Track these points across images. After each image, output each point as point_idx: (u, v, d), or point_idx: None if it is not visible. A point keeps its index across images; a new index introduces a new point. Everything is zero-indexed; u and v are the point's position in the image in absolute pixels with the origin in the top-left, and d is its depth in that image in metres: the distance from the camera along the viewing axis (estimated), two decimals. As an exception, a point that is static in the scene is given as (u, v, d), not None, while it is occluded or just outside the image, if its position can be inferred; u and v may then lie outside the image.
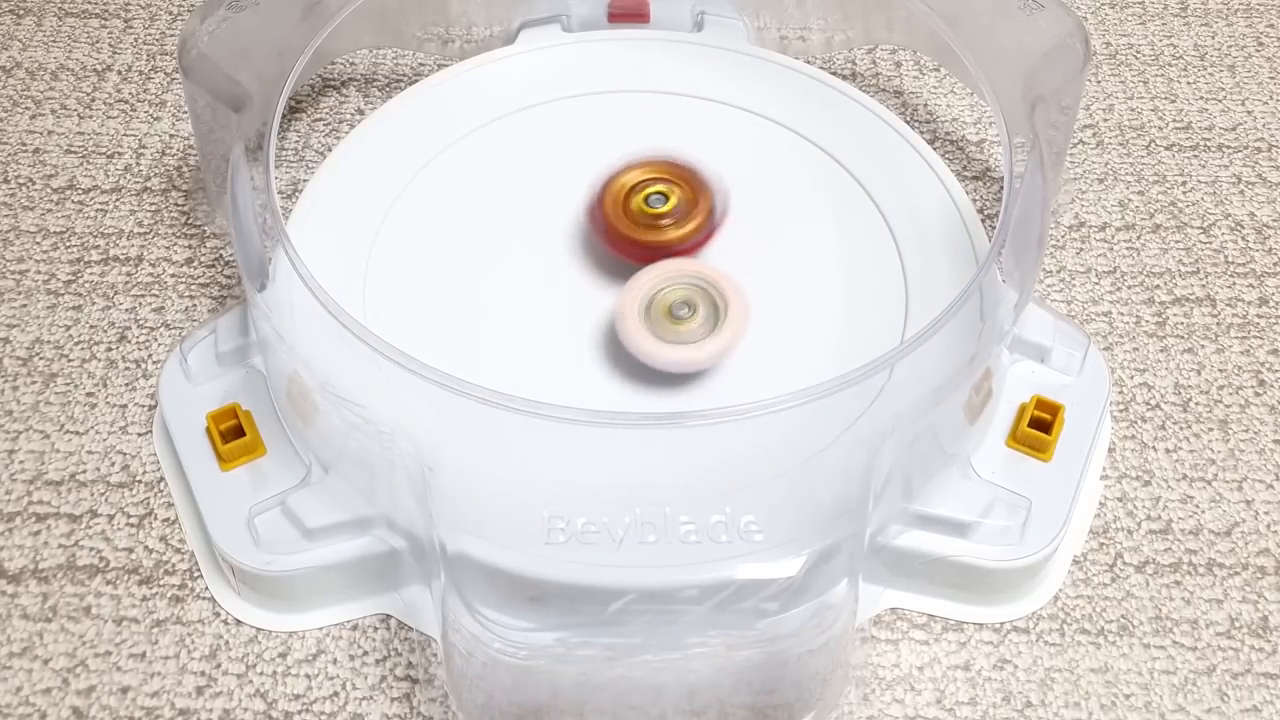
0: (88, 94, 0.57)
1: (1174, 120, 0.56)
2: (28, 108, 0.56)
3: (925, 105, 0.57)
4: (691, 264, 0.43)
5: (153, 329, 0.48)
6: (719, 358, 0.42)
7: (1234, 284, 0.50)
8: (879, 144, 0.50)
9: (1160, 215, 0.52)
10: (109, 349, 0.47)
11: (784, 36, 0.58)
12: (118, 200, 0.52)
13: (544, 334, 0.44)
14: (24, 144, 0.55)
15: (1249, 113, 0.57)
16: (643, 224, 0.44)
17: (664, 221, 0.44)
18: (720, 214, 0.45)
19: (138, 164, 0.54)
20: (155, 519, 0.43)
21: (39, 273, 0.50)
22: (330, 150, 0.51)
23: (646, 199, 0.45)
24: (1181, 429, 0.46)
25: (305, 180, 0.51)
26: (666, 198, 0.45)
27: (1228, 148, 0.55)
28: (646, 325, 0.42)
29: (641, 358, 0.41)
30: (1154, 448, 0.45)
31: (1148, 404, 0.46)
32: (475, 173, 0.49)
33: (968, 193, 0.49)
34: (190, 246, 0.51)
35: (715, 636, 0.36)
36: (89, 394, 0.46)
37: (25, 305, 0.49)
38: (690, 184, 0.45)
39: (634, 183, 0.45)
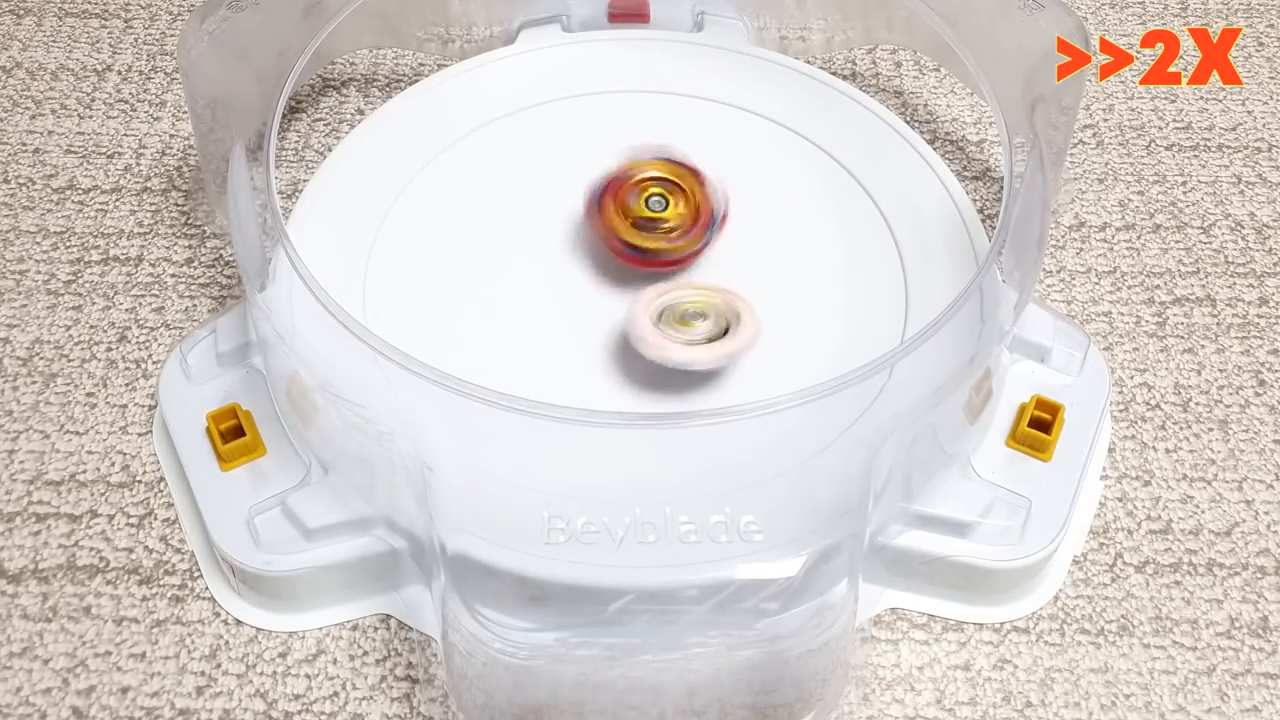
0: (88, 94, 0.57)
1: (1174, 120, 0.56)
2: (28, 108, 0.56)
3: (925, 105, 0.57)
4: (706, 283, 0.43)
5: (153, 329, 0.48)
6: (726, 360, 0.41)
7: (1234, 284, 0.50)
8: (879, 144, 0.49)
9: (1160, 215, 0.52)
10: (109, 349, 0.47)
11: (784, 36, 0.58)
12: (118, 200, 0.52)
13: (543, 334, 0.44)
14: (24, 144, 0.55)
15: (1249, 113, 0.56)
16: (642, 228, 0.44)
17: (664, 225, 0.44)
18: (720, 218, 0.45)
19: (138, 164, 0.54)
20: (155, 519, 0.43)
21: (39, 273, 0.50)
22: (330, 150, 0.51)
23: (647, 201, 0.44)
24: (1181, 429, 0.46)
25: (305, 180, 0.51)
26: (667, 201, 0.44)
27: (1228, 148, 0.55)
28: (659, 327, 0.41)
29: (651, 356, 0.41)
30: (1154, 448, 0.45)
31: (1148, 404, 0.46)
32: (475, 173, 0.49)
33: (968, 193, 0.49)
34: (190, 246, 0.51)
35: (715, 636, 0.36)
36: (89, 394, 0.46)
37: (25, 305, 0.49)
38: (691, 188, 0.45)
39: (635, 179, 0.45)
